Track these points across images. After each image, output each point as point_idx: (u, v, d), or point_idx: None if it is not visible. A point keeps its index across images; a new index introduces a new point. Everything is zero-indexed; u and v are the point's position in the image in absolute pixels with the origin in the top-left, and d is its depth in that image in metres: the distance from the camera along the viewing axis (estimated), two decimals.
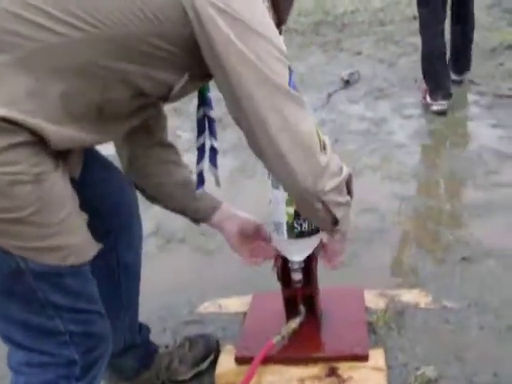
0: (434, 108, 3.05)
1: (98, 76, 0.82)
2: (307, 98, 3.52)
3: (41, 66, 0.79)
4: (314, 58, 4.58)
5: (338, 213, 1.00)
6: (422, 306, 1.57)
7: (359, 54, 4.55)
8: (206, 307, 1.70)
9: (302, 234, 1.26)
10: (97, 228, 0.96)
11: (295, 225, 1.25)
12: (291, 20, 6.15)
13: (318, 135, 0.92)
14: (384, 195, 2.27)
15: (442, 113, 3.01)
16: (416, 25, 4.87)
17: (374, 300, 1.58)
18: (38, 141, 0.79)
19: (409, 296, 1.61)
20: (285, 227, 1.26)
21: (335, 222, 1.03)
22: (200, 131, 1.16)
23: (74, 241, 0.89)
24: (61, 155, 0.87)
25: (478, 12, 5.24)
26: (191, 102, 1.51)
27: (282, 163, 0.89)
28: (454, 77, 3.39)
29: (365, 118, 3.18)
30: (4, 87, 0.77)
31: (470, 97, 3.28)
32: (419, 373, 1.33)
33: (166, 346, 1.46)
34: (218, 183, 1.23)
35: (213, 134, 1.17)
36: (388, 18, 5.66)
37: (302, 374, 1.33)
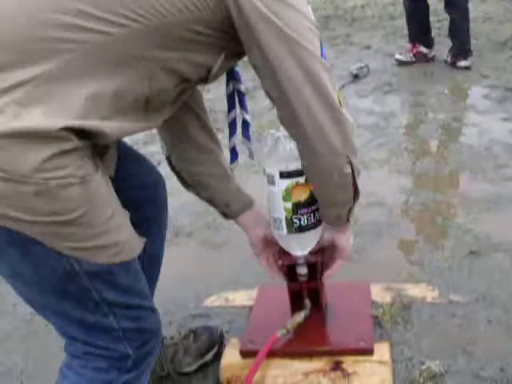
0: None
1: (145, 68, 0.84)
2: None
3: (90, 68, 0.80)
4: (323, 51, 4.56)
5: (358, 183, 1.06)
6: (429, 300, 1.56)
7: (369, 48, 4.52)
8: (213, 301, 1.70)
9: (301, 229, 1.25)
10: (131, 219, 0.97)
11: (294, 219, 1.24)
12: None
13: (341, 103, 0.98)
14: (392, 189, 2.25)
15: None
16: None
17: (380, 294, 1.57)
18: (84, 144, 0.81)
19: (415, 290, 1.60)
20: (284, 222, 1.25)
21: (356, 194, 1.07)
22: (230, 106, 1.19)
23: (123, 238, 0.91)
24: (99, 156, 0.89)
25: (489, 4, 5.21)
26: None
27: (318, 129, 0.94)
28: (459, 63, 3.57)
29: (373, 112, 3.16)
30: (58, 97, 0.78)
31: (481, 90, 3.24)
32: (424, 367, 1.32)
33: (172, 338, 1.47)
34: (251, 155, 1.27)
35: (244, 107, 1.19)
36: (398, 12, 5.59)
37: (306, 368, 1.33)
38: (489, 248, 1.77)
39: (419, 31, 3.88)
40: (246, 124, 1.23)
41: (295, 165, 1.19)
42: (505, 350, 1.36)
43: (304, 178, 1.19)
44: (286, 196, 1.22)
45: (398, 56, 3.96)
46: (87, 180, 0.82)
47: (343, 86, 3.60)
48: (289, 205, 1.23)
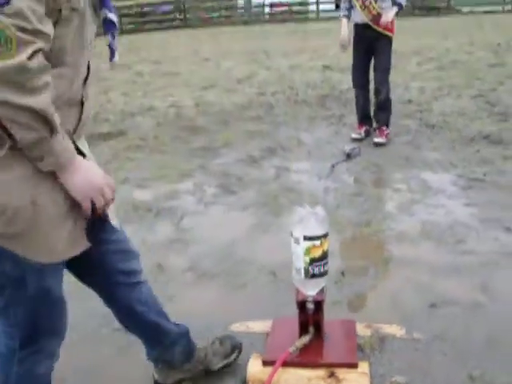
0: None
1: None
2: (315, 167, 4.17)
3: None
4: (320, 130, 5.25)
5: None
6: (398, 336, 2.13)
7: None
8: (237, 327, 2.25)
9: (314, 276, 1.85)
10: None
11: (310, 269, 1.84)
12: (301, 91, 6.90)
13: None
14: (376, 256, 2.86)
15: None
16: (410, 108, 5.64)
17: (362, 330, 2.14)
18: None
19: (389, 329, 2.17)
20: (303, 270, 1.85)
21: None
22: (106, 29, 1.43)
23: None
24: None
25: (463, 101, 6.01)
26: None
27: None
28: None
29: (363, 191, 3.78)
30: None
31: (450, 177, 3.91)
32: (393, 379, 1.89)
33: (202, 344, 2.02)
34: (112, 57, 1.48)
35: (107, 6, 1.40)
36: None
37: (309, 375, 1.88)
38: (446, 302, 2.36)
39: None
40: (110, 24, 1.42)
41: (313, 232, 1.80)
42: (451, 372, 1.94)
43: (319, 241, 1.81)
44: (306, 253, 1.82)
45: (353, 135, 4.92)
46: None
47: (337, 164, 4.25)
48: (307, 259, 1.83)
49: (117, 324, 1.82)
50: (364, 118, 4.92)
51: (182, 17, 25.86)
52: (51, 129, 1.16)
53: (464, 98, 6.36)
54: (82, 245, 1.39)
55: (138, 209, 3.50)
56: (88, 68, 1.36)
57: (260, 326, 2.23)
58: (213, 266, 2.75)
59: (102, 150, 4.74)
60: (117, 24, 1.45)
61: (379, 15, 4.43)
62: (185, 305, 2.41)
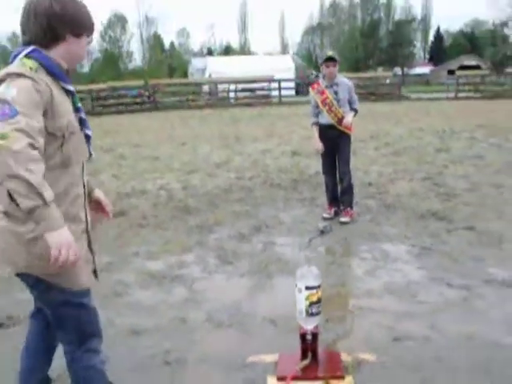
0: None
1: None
2: (295, 241, 5.04)
3: None
4: (296, 211, 6.17)
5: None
6: (370, 360, 2.94)
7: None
8: (252, 359, 3.02)
9: (312, 315, 2.69)
10: None
11: (309, 310, 2.68)
12: (275, 176, 7.87)
13: None
14: (347, 303, 3.70)
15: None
16: (370, 190, 6.64)
17: (345, 357, 2.94)
18: None
19: (363, 355, 2.98)
20: (304, 311, 2.69)
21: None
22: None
23: None
24: None
25: (415, 183, 7.07)
26: None
27: None
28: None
29: (336, 260, 4.64)
30: None
31: (405, 247, 4.83)
32: None
33: None
34: (90, 155, 2.25)
35: (86, 125, 2.22)
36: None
37: None
38: (405, 337, 3.19)
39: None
40: (88, 137, 2.24)
41: (311, 284, 2.67)
42: (407, 381, 2.75)
43: (315, 290, 2.66)
44: (306, 298, 2.67)
45: (324, 215, 5.81)
46: None
47: (313, 238, 5.13)
48: (307, 302, 2.67)
49: None
50: (333, 201, 5.86)
51: (151, 100, 27.23)
52: (43, 199, 1.82)
53: (415, 180, 7.46)
54: (93, 280, 2.32)
55: (154, 277, 4.27)
56: (83, 164, 2.23)
57: (269, 357, 3.01)
58: (225, 318, 3.53)
59: (107, 227, 5.48)
60: (91, 137, 2.27)
61: (343, 117, 5.48)
62: (209, 347, 3.18)
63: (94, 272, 2.33)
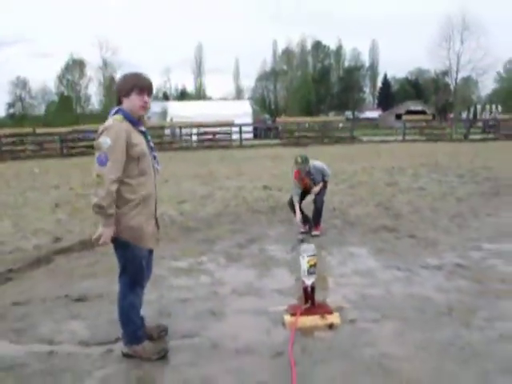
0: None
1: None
2: (282, 248, 6.62)
3: None
4: (278, 228, 7.77)
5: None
6: (346, 307, 4.52)
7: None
8: (272, 309, 4.55)
9: (310, 273, 4.30)
10: None
11: (309, 269, 4.29)
12: (255, 204, 9.48)
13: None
14: (327, 289, 5.28)
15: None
16: (335, 213, 8.27)
17: (331, 304, 4.52)
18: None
19: (342, 304, 4.56)
20: (306, 271, 4.30)
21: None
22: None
23: None
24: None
25: (369, 208, 8.78)
26: None
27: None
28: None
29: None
30: None
31: (364, 249, 6.48)
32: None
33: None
34: (158, 165, 3.82)
35: (153, 150, 3.78)
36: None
37: (312, 318, 4.22)
38: (368, 295, 4.78)
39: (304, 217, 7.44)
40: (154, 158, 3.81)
41: (311, 253, 4.28)
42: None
43: (313, 257, 4.27)
44: (308, 262, 4.28)
45: (301, 229, 7.39)
46: None
47: (295, 245, 6.72)
48: (308, 265, 4.29)
49: None
50: (305, 221, 7.46)
51: None
52: (109, 214, 3.42)
53: (369, 206, 9.22)
54: (155, 245, 3.84)
55: (182, 270, 5.77)
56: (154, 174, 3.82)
57: (282, 307, 4.55)
58: (244, 291, 5.05)
59: None
60: (157, 157, 3.87)
61: (317, 190, 7.29)
62: (239, 305, 4.70)
63: (157, 240, 3.92)
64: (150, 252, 3.92)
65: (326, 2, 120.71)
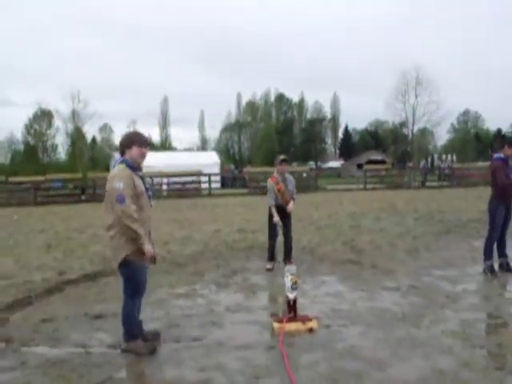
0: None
1: None
2: (262, 277, 7.67)
3: None
4: (256, 263, 8.82)
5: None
6: (318, 318, 5.59)
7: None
8: (272, 321, 5.57)
9: (293, 289, 5.39)
10: None
11: (292, 285, 5.39)
12: (232, 245, 10.53)
13: None
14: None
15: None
16: (305, 250, 9.40)
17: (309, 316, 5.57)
18: None
19: (315, 318, 5.62)
20: (290, 287, 5.39)
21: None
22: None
23: None
24: None
25: (335, 246, 9.94)
26: None
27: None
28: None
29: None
30: None
31: (333, 277, 7.59)
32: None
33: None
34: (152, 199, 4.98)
35: (148, 191, 4.88)
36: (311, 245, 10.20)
37: (296, 324, 5.26)
38: (337, 309, 5.85)
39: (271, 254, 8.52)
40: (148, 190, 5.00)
41: (293, 272, 5.40)
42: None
43: (295, 276, 5.36)
44: (291, 280, 5.38)
45: (268, 266, 8.41)
46: None
47: (269, 269, 7.76)
48: (291, 282, 5.39)
49: None
50: (272, 257, 8.49)
51: (91, 192, 29.48)
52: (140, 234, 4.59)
53: (336, 244, 10.39)
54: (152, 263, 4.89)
55: (181, 295, 6.75)
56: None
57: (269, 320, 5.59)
58: (236, 308, 6.06)
59: None
60: (151, 196, 4.98)
61: (288, 201, 8.35)
62: (234, 317, 5.71)
63: (154, 259, 4.88)
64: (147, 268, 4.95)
65: (288, 56, 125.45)
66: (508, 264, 7.65)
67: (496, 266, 7.58)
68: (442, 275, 7.45)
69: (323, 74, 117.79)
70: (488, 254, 7.54)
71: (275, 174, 8.56)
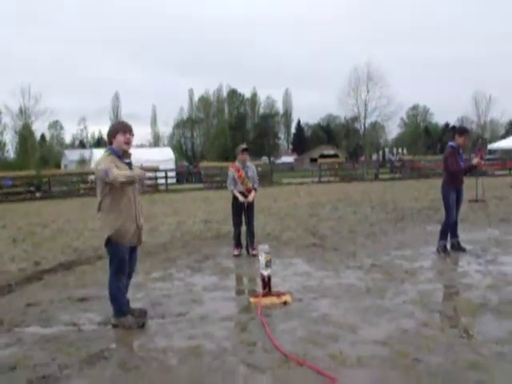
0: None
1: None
2: (232, 261, 8.10)
3: None
4: (225, 249, 9.24)
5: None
6: (291, 293, 6.07)
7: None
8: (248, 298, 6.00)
9: (267, 266, 5.86)
10: None
11: (266, 263, 5.84)
12: (199, 234, 10.89)
13: None
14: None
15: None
16: (270, 237, 9.90)
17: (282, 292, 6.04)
18: None
19: (289, 293, 6.10)
20: (264, 265, 5.85)
21: None
22: None
23: None
24: None
25: (297, 232, 10.45)
26: None
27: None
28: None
29: (252, 262, 7.78)
30: None
31: (300, 258, 8.09)
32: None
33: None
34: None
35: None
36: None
37: (271, 298, 5.71)
38: (308, 286, 6.34)
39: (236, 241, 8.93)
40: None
41: (267, 250, 5.86)
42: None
43: (268, 254, 5.82)
44: (265, 258, 5.83)
45: (235, 252, 8.83)
46: None
47: (236, 255, 8.20)
48: (265, 260, 5.85)
49: None
50: (238, 244, 8.89)
51: (46, 188, 29.17)
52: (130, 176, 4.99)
53: (298, 231, 10.92)
54: (135, 243, 5.31)
55: (157, 279, 7.10)
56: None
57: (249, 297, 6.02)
58: (212, 288, 6.48)
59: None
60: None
61: (249, 188, 8.74)
62: (214, 295, 6.11)
63: (139, 240, 5.31)
64: (134, 248, 5.35)
65: (239, 53, 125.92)
66: (459, 243, 8.33)
67: (448, 246, 8.24)
68: (400, 255, 8.07)
69: (275, 70, 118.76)
70: (443, 235, 8.21)
71: (236, 163, 8.90)
